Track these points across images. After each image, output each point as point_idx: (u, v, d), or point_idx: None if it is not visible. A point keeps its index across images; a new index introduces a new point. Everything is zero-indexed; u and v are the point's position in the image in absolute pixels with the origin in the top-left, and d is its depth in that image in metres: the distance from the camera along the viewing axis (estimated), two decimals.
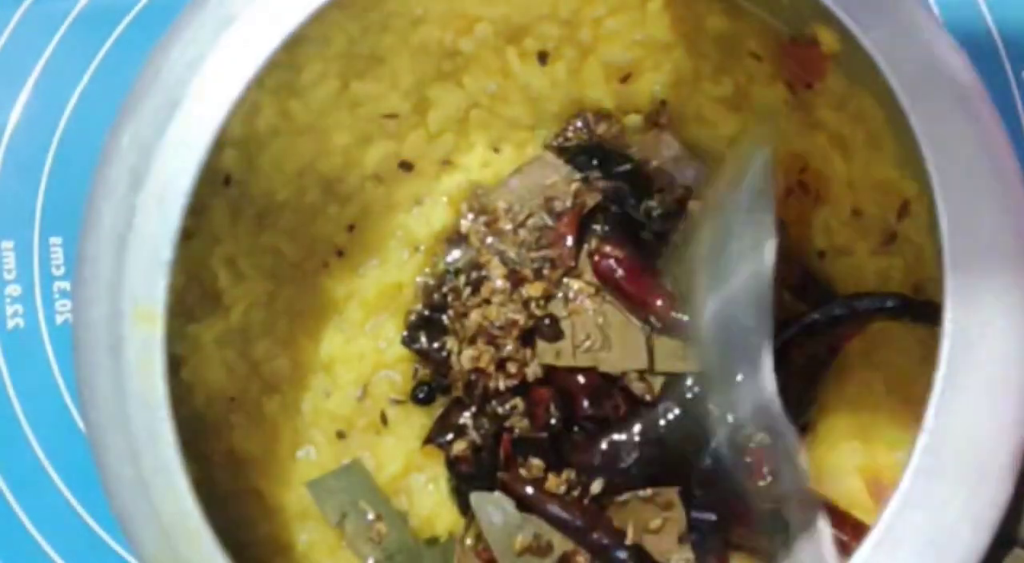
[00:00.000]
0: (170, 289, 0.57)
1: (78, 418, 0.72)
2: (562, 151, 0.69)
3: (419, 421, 0.69)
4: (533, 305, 0.65)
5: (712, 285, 0.62)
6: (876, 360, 0.66)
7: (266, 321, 0.69)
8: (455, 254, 0.69)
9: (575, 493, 0.65)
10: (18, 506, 0.72)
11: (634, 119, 0.69)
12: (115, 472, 0.56)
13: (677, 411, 0.63)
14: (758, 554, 0.66)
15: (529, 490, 0.64)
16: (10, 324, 0.73)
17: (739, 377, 0.61)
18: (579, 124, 0.69)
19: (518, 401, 0.65)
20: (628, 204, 0.67)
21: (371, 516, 0.67)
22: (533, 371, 0.65)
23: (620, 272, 0.65)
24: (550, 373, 0.65)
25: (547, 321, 0.65)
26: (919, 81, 0.55)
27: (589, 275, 0.66)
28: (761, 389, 0.60)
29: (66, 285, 0.73)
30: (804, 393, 0.65)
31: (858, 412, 0.66)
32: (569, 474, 0.65)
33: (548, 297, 0.66)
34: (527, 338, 0.65)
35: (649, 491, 0.64)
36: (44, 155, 0.74)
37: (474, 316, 0.65)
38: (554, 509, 0.64)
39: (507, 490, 0.65)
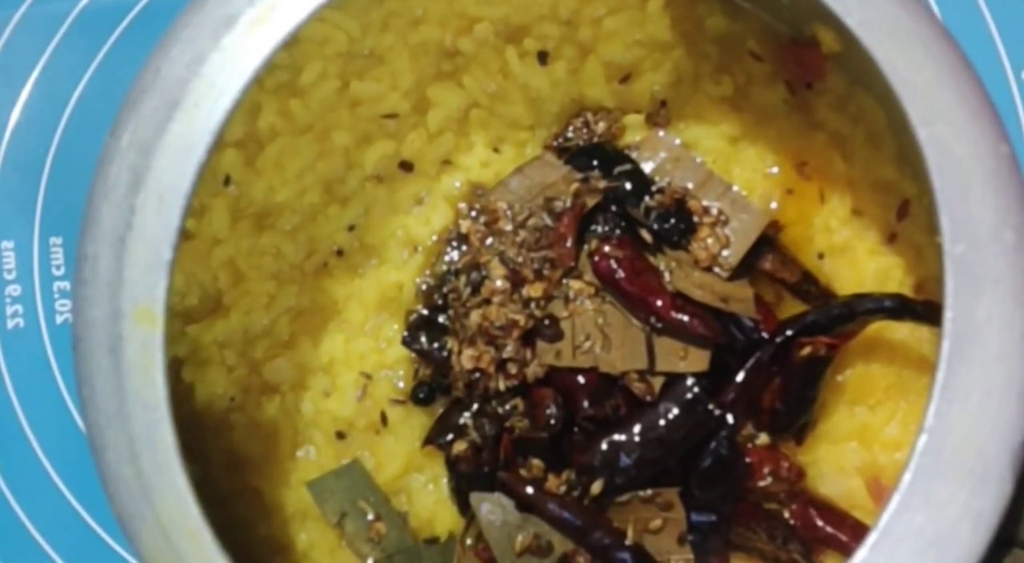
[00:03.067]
0: (170, 289, 0.56)
1: (78, 418, 0.72)
2: (562, 151, 0.69)
3: (419, 421, 0.69)
4: (533, 305, 0.65)
5: None
6: (876, 360, 0.66)
7: (266, 321, 0.69)
8: (455, 254, 0.69)
9: (575, 493, 0.64)
10: (18, 506, 0.72)
11: (634, 119, 0.69)
12: (115, 472, 0.56)
13: (677, 411, 0.63)
14: (758, 554, 0.66)
15: (529, 490, 0.64)
16: (10, 324, 0.73)
17: None
18: (579, 124, 0.69)
19: (518, 401, 0.65)
20: (628, 204, 0.67)
21: (371, 516, 0.67)
22: (533, 371, 0.65)
23: (620, 272, 0.65)
24: (550, 373, 0.65)
25: (547, 321, 0.65)
26: (919, 81, 0.55)
27: (589, 275, 0.66)
28: None
29: (66, 285, 0.73)
30: (804, 393, 0.65)
31: (858, 412, 0.66)
32: (569, 474, 0.65)
33: (548, 297, 0.66)
34: (527, 338, 0.65)
35: (649, 491, 0.64)
36: (44, 155, 0.74)
37: (474, 316, 0.65)
38: (554, 509, 0.64)
39: (507, 490, 0.65)
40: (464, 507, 0.67)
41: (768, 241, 0.67)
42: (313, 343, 0.69)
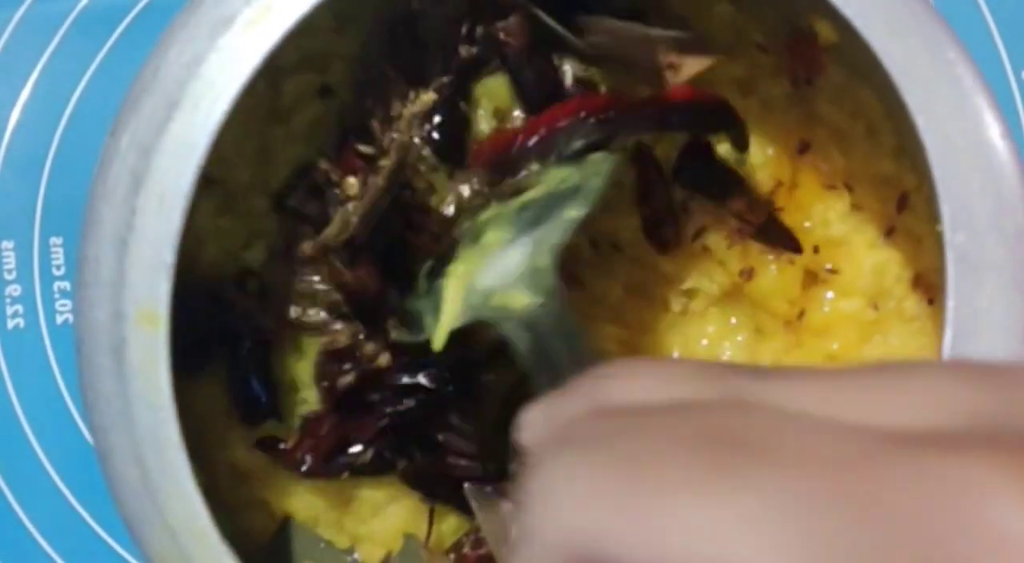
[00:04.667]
0: (172, 291, 0.56)
1: (78, 418, 0.72)
2: None
3: None
4: None
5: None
6: (875, 356, 0.66)
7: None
8: None
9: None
10: (18, 506, 0.72)
11: None
12: (121, 475, 0.56)
13: None
14: None
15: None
16: (10, 324, 0.73)
17: None
18: None
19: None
20: None
21: None
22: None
23: None
24: None
25: None
26: (917, 70, 0.55)
27: None
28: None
29: (66, 285, 0.73)
30: None
31: None
32: None
33: None
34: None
35: None
36: (44, 155, 0.74)
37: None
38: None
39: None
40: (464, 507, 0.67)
41: (739, 182, 0.67)
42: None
